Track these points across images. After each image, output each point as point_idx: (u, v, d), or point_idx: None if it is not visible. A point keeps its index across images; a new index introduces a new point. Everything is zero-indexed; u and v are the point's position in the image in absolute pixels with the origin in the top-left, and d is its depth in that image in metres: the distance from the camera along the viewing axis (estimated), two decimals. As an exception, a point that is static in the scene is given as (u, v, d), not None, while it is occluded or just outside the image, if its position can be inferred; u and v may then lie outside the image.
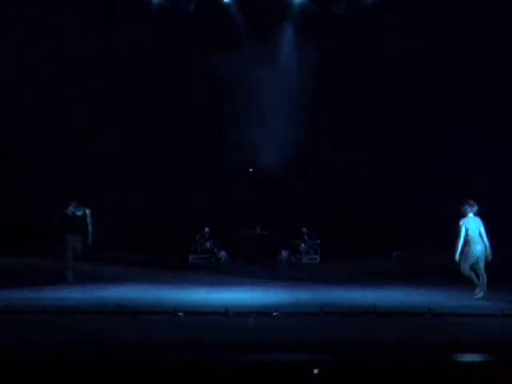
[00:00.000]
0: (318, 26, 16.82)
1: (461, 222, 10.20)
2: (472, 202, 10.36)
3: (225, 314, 8.23)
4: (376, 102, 17.39)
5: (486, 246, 10.09)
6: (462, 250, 10.13)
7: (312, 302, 9.48)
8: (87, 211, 12.55)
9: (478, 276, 10.10)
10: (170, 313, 8.27)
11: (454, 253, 10.07)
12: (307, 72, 16.95)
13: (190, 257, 17.65)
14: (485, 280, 10.00)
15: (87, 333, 7.20)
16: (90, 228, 12.47)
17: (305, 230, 18.07)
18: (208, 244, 17.88)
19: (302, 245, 17.96)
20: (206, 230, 18.02)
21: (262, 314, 8.35)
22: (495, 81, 15.90)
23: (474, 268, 10.16)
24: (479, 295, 9.95)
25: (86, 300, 9.50)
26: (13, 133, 15.93)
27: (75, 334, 7.10)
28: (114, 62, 16.99)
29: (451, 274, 11.56)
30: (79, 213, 12.51)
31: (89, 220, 12.51)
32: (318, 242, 17.91)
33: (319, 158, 17.77)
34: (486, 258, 10.09)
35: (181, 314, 8.25)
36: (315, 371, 5.38)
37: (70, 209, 12.53)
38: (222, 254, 17.74)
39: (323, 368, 5.53)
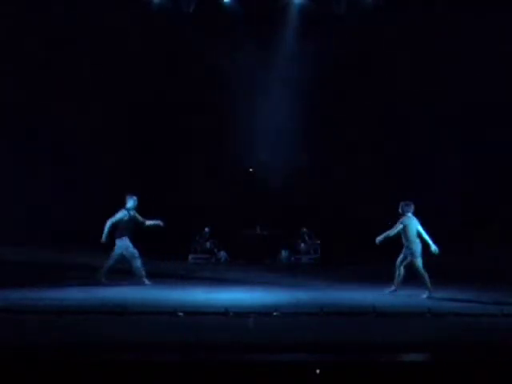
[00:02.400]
0: (318, 26, 16.83)
1: (401, 221, 10.58)
2: (409, 202, 10.64)
3: (225, 313, 8.22)
4: (377, 103, 17.40)
5: (429, 243, 10.47)
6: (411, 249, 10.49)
7: (312, 302, 9.47)
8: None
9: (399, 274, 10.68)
10: (170, 313, 8.26)
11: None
12: (307, 72, 16.95)
13: (190, 257, 17.64)
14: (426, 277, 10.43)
15: (87, 333, 7.20)
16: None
17: (305, 229, 18.06)
18: (208, 244, 17.88)
19: (302, 245, 17.96)
20: (206, 229, 18.01)
21: (262, 314, 8.34)
22: (494, 81, 15.92)
23: (403, 265, 10.65)
24: (392, 289, 10.65)
25: (86, 300, 9.49)
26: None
27: (75, 334, 7.10)
28: (113, 61, 16.99)
29: (450, 274, 11.58)
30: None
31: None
32: (318, 242, 17.91)
33: (320, 157, 17.77)
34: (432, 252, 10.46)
35: (181, 314, 8.25)
36: (317, 371, 5.38)
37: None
38: (222, 254, 17.74)
39: (323, 368, 5.53)
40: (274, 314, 8.30)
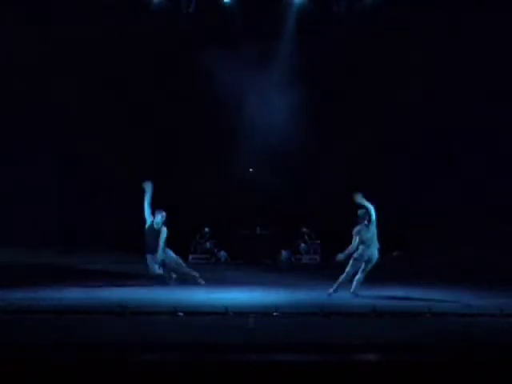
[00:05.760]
0: (318, 26, 16.83)
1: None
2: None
3: (225, 313, 8.23)
4: (376, 102, 17.40)
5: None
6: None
7: (312, 302, 9.47)
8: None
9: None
10: (170, 313, 8.27)
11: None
12: (307, 72, 16.95)
13: (190, 257, 17.63)
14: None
15: (87, 333, 7.20)
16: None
17: (305, 229, 18.06)
18: (208, 244, 17.88)
19: (302, 245, 17.96)
20: (206, 230, 18.01)
21: (261, 314, 8.35)
22: (493, 81, 15.94)
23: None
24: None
25: (86, 300, 9.50)
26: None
27: (75, 334, 7.10)
28: (113, 61, 16.99)
29: (451, 274, 11.58)
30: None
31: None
32: (318, 242, 17.91)
33: (320, 158, 17.76)
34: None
35: (181, 313, 8.26)
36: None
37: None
38: (222, 254, 17.74)
39: (323, 368, 5.53)
40: (274, 314, 8.30)
